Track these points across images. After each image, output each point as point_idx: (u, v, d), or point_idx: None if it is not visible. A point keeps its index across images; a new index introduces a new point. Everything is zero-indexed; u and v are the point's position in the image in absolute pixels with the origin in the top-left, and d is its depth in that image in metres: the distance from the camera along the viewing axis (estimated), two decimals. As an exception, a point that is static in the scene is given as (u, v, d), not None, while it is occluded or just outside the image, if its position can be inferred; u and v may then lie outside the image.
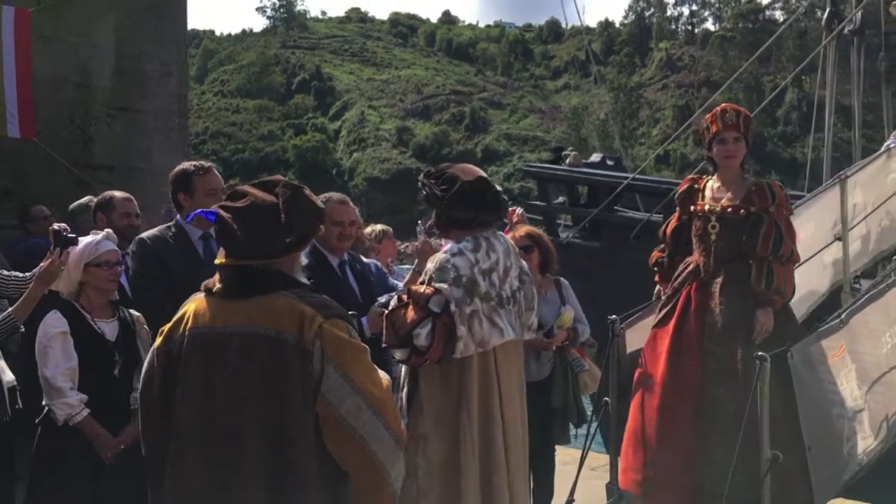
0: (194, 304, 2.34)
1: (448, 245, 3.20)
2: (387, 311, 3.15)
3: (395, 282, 4.45)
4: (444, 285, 3.06)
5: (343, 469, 2.23)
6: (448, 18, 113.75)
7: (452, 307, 3.03)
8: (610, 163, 10.57)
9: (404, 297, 3.17)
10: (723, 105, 4.09)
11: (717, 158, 4.05)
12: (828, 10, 7.63)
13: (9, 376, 3.54)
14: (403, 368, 3.23)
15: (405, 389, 3.19)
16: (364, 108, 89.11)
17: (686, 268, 4.06)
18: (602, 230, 9.20)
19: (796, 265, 4.00)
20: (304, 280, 2.35)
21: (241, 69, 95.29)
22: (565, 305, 4.45)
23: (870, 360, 3.97)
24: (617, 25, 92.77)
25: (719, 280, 3.91)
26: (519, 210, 4.90)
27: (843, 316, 3.74)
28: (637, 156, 52.54)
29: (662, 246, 4.30)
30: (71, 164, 6.29)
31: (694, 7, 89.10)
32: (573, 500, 4.16)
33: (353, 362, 2.21)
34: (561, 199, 10.28)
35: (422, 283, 3.14)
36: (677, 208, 4.23)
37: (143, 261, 3.75)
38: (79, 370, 3.28)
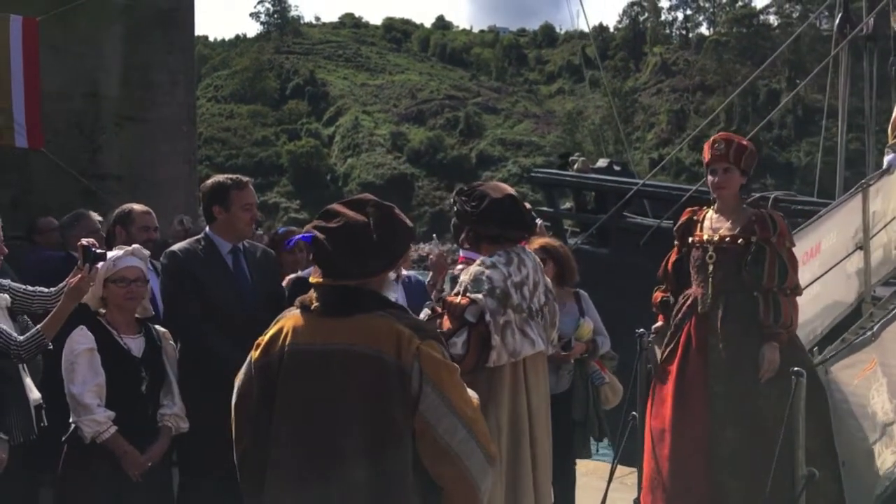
0: (292, 320, 2.38)
1: (482, 258, 3.29)
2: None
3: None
4: (479, 296, 3.16)
5: (436, 484, 2.31)
6: (442, 23, 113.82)
7: (487, 317, 3.14)
8: (617, 168, 10.56)
9: (438, 308, 3.29)
10: (716, 135, 3.99)
11: (709, 188, 3.98)
12: (839, 15, 7.59)
13: (35, 394, 3.48)
14: None
15: None
16: (358, 113, 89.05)
17: (686, 301, 3.96)
18: (611, 237, 9.16)
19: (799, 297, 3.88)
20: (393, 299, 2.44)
21: (235, 75, 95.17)
22: (584, 318, 4.41)
23: (900, 373, 3.93)
24: (611, 30, 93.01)
25: (719, 313, 3.80)
26: (539, 222, 4.87)
27: (874, 329, 3.70)
28: (633, 160, 52.62)
29: (664, 286, 4.17)
30: (79, 174, 6.23)
31: (688, 12, 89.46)
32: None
33: (449, 383, 2.30)
34: (568, 204, 10.26)
35: (456, 295, 3.22)
36: (676, 242, 4.13)
37: (174, 274, 3.71)
38: (105, 387, 3.22)
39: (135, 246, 3.49)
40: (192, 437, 3.49)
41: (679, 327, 3.93)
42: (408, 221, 2.46)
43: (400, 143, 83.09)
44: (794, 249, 3.86)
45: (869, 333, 3.69)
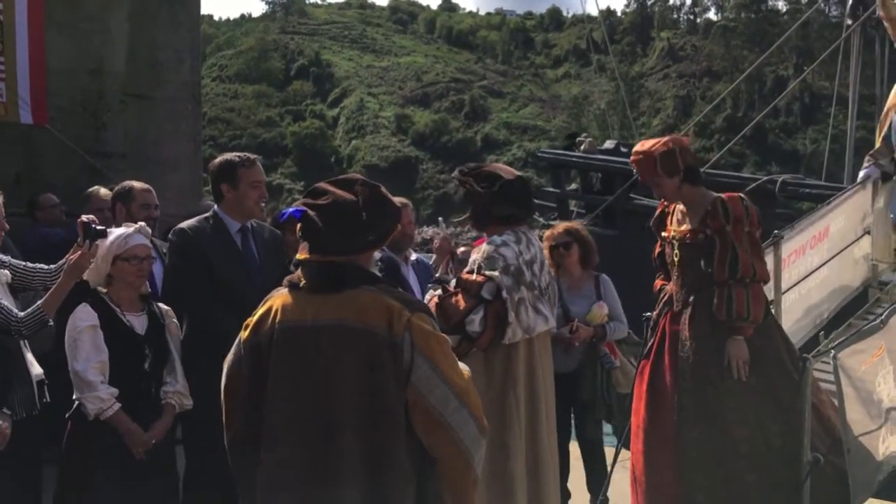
0: (281, 299, 2.40)
1: (492, 237, 3.36)
2: (438, 300, 3.27)
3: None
4: (495, 273, 3.22)
5: (430, 455, 2.34)
6: (448, 5, 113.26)
7: (504, 294, 3.20)
8: (624, 150, 10.51)
9: (449, 287, 3.34)
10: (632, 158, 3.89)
11: None
12: (850, 2, 7.49)
13: (37, 369, 3.47)
14: None
15: None
16: (363, 95, 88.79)
17: (663, 297, 3.92)
18: (617, 218, 9.14)
19: (764, 283, 3.70)
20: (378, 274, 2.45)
21: (240, 54, 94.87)
22: (599, 302, 4.41)
23: (905, 360, 3.92)
24: (619, 14, 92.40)
25: (689, 310, 3.71)
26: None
27: (883, 316, 3.69)
28: (638, 145, 52.43)
29: (660, 273, 4.10)
30: (83, 152, 6.20)
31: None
32: (607, 499, 4.13)
33: (440, 353, 2.32)
34: (574, 185, 10.22)
35: (470, 273, 3.27)
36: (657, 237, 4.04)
37: (183, 250, 3.71)
38: (109, 364, 3.22)
39: (140, 224, 3.48)
40: (198, 414, 3.48)
41: (657, 323, 3.89)
42: (395, 201, 2.49)
43: (405, 126, 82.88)
44: (757, 233, 3.67)
45: (878, 320, 3.68)
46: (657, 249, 4.05)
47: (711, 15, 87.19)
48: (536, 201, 5.56)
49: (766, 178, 8.11)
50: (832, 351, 3.36)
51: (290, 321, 2.34)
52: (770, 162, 61.21)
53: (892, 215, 5.49)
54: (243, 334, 2.43)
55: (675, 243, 3.79)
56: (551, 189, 9.89)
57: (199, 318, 3.65)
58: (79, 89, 6.35)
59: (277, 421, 2.32)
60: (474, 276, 3.26)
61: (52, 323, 3.33)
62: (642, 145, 3.83)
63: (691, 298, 3.71)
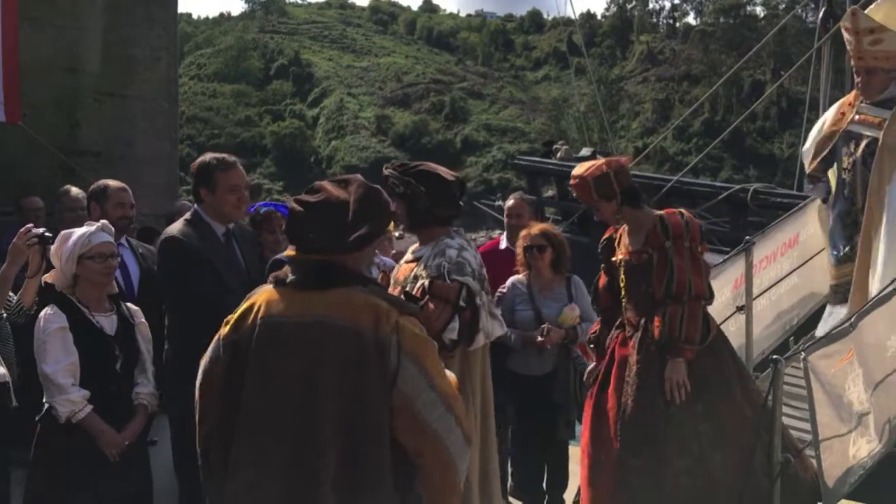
0: (265, 295, 2.36)
1: (446, 241, 3.26)
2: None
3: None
4: (468, 278, 3.15)
5: (413, 461, 2.28)
6: (429, 7, 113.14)
7: (478, 300, 3.16)
8: (600, 157, 10.56)
9: (416, 291, 3.17)
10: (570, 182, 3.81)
11: None
12: (823, 9, 7.60)
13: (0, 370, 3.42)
14: None
15: None
16: (343, 95, 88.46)
17: (616, 322, 3.85)
18: (591, 225, 9.16)
19: (705, 301, 3.57)
20: (372, 276, 2.45)
21: (219, 53, 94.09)
22: (570, 304, 4.42)
23: (875, 364, 3.97)
24: (599, 17, 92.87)
25: (638, 335, 3.64)
26: None
27: (852, 319, 3.72)
28: (617, 148, 52.72)
29: (599, 314, 4.03)
30: (57, 150, 6.13)
31: (675, 1, 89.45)
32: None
33: (428, 358, 2.28)
34: (550, 192, 10.26)
35: (437, 279, 3.15)
36: (602, 264, 3.96)
37: (182, 256, 3.60)
38: (79, 366, 3.18)
39: (102, 221, 3.45)
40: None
41: (605, 347, 3.86)
42: (391, 204, 2.49)
43: (384, 127, 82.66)
44: (703, 249, 3.58)
45: (847, 324, 3.71)
46: (602, 281, 3.95)
47: (690, 19, 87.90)
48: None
49: (738, 186, 8.20)
50: (802, 353, 3.39)
51: (273, 316, 2.29)
52: (747, 166, 61.84)
53: (834, 252, 5.30)
54: (223, 331, 2.39)
55: (622, 267, 3.73)
56: (529, 196, 9.93)
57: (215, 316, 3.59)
58: (53, 87, 6.29)
59: (253, 416, 2.26)
60: (449, 284, 3.14)
61: (3, 314, 3.30)
62: (578, 169, 3.73)
63: (641, 321, 3.64)
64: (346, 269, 2.31)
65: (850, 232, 5.21)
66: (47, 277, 3.35)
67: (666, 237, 3.53)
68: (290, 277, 2.34)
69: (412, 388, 2.23)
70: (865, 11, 5.16)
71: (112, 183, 4.49)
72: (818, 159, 5.33)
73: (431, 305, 3.10)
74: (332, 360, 2.23)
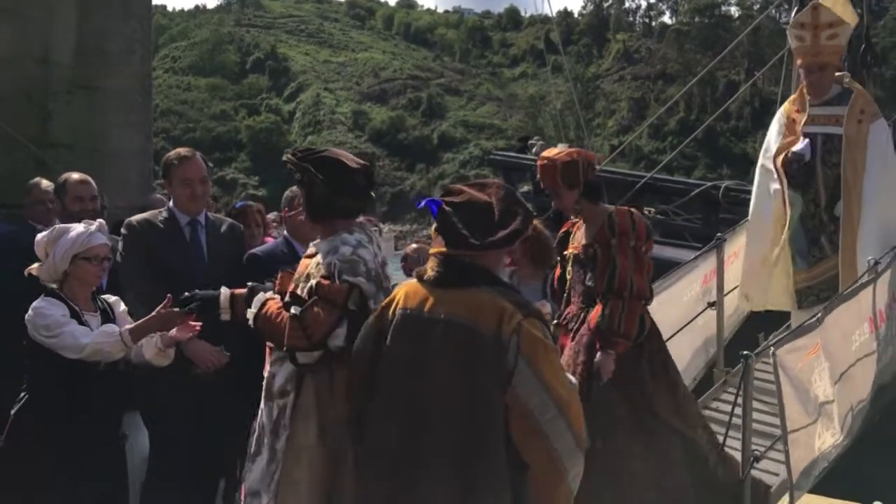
0: (406, 288, 2.58)
1: (342, 236, 2.98)
2: (298, 312, 2.84)
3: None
4: (361, 279, 2.88)
5: (524, 461, 2.37)
6: (406, 3, 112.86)
7: (371, 304, 2.85)
8: (574, 150, 10.63)
9: (304, 296, 2.89)
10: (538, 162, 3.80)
11: None
12: (794, 10, 7.69)
13: None
14: (284, 372, 2.94)
15: (291, 396, 2.92)
16: (320, 90, 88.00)
17: (566, 317, 3.87)
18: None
19: (645, 301, 3.58)
20: (506, 278, 2.55)
21: (194, 46, 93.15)
22: (544, 300, 4.43)
23: (840, 358, 4.05)
24: (576, 15, 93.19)
25: (575, 326, 3.69)
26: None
27: (819, 315, 3.79)
28: (592, 146, 52.96)
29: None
30: (28, 142, 6.07)
31: (652, 0, 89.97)
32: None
33: (546, 361, 2.37)
34: (526, 188, 10.30)
35: (325, 279, 2.86)
36: (557, 258, 3.99)
37: (129, 245, 3.81)
38: (65, 366, 3.16)
39: (99, 221, 3.45)
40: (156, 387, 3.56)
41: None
42: (527, 204, 2.60)
43: (361, 122, 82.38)
44: (648, 248, 3.59)
45: (814, 319, 3.78)
46: (556, 273, 3.99)
47: (666, 18, 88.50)
48: None
49: (710, 184, 8.30)
50: (772, 348, 3.44)
51: (408, 309, 2.51)
52: (721, 164, 62.32)
53: (800, 257, 5.28)
54: (371, 318, 2.63)
55: (570, 259, 3.78)
56: None
57: (145, 308, 3.64)
58: (24, 78, 6.23)
59: (379, 402, 2.49)
60: (337, 285, 2.84)
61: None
62: (549, 152, 3.76)
63: (581, 314, 3.71)
64: (480, 269, 2.47)
65: (815, 234, 5.25)
66: (32, 270, 3.32)
67: (612, 234, 3.58)
68: (429, 274, 2.51)
69: (525, 388, 2.32)
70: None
71: (73, 176, 4.41)
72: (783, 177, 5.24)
73: (316, 309, 2.80)
74: (453, 356, 2.38)
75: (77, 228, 3.33)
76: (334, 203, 2.99)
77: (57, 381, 3.17)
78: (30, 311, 3.20)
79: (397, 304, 2.54)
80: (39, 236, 3.34)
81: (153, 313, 3.23)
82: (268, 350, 3.06)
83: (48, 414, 3.17)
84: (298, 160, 3.02)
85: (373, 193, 3.16)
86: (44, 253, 3.31)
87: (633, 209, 3.72)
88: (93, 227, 3.35)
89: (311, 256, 3.02)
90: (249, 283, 3.12)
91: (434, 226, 2.50)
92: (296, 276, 3.03)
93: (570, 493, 2.38)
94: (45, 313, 3.17)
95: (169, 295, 3.24)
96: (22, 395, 3.23)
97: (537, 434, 2.32)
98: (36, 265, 3.33)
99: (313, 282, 2.88)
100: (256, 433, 3.00)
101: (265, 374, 3.03)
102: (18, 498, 3.15)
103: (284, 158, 3.12)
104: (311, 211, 3.06)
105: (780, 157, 5.23)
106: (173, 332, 3.26)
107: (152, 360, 3.36)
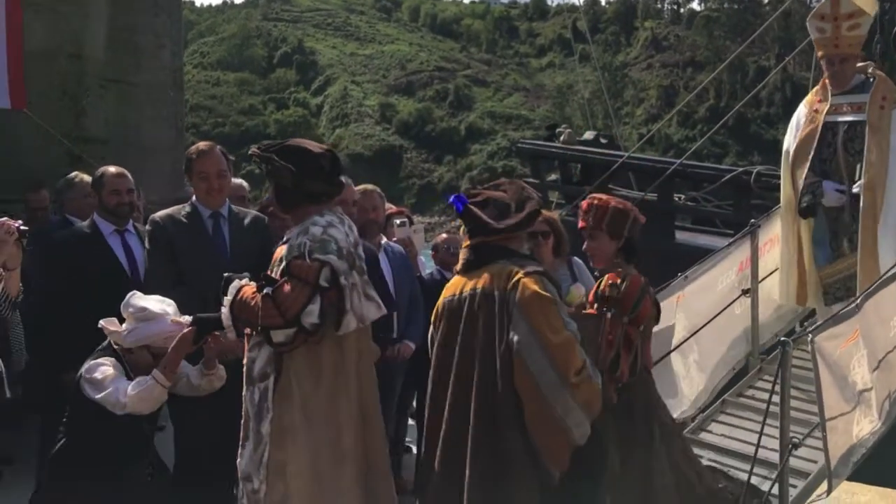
0: (449, 283, 3.07)
1: (313, 218, 3.02)
2: (269, 292, 2.91)
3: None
4: (332, 257, 2.91)
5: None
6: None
7: (343, 280, 2.92)
8: (603, 141, 10.57)
9: (276, 276, 2.97)
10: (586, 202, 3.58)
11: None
12: (822, -5, 7.52)
13: None
14: (263, 355, 2.99)
15: (272, 378, 2.96)
16: (347, 83, 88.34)
17: None
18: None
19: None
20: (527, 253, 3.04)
21: (222, 41, 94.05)
22: (575, 283, 4.42)
23: (879, 344, 3.98)
24: (603, 3, 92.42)
25: None
26: None
27: (858, 300, 3.73)
28: (621, 135, 52.51)
29: None
30: (62, 137, 6.15)
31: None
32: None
33: (537, 308, 2.73)
34: (553, 176, 10.25)
35: (297, 258, 2.91)
36: None
37: (153, 240, 3.87)
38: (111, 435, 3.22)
39: (172, 307, 3.39)
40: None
41: None
42: (537, 194, 3.02)
43: (389, 115, 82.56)
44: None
45: (853, 305, 3.72)
46: None
47: (695, 5, 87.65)
48: None
49: (741, 169, 8.18)
50: (810, 335, 3.39)
51: (448, 297, 2.99)
52: (752, 152, 61.56)
53: (822, 252, 5.11)
54: (434, 313, 3.07)
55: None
56: (532, 180, 9.90)
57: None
58: (58, 73, 6.30)
59: (432, 375, 2.99)
60: (308, 262, 2.89)
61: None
62: (604, 195, 3.62)
63: None
64: (501, 249, 2.89)
65: (835, 227, 5.14)
66: (107, 328, 3.32)
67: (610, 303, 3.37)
68: (460, 264, 2.97)
69: (518, 332, 2.69)
70: None
71: (110, 169, 4.40)
72: (806, 167, 5.13)
73: (287, 286, 2.86)
74: (481, 322, 2.80)
75: (162, 323, 3.28)
76: (302, 188, 3.02)
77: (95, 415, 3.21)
78: (85, 365, 3.26)
79: (442, 298, 2.98)
80: (131, 302, 3.33)
81: (172, 346, 3.24)
82: (245, 338, 3.10)
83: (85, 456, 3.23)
84: (263, 151, 3.07)
85: (343, 179, 3.20)
86: (124, 323, 3.33)
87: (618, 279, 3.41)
88: (168, 321, 3.29)
89: (284, 244, 3.06)
90: (225, 274, 3.14)
91: (459, 222, 2.94)
92: (271, 262, 3.10)
93: (562, 426, 2.72)
94: (93, 367, 3.22)
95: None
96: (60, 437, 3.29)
97: (524, 371, 2.69)
98: (111, 324, 3.34)
99: (285, 262, 2.94)
100: (244, 420, 3.04)
101: (244, 361, 3.08)
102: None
103: (250, 153, 3.14)
104: (282, 201, 3.12)
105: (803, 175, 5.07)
106: (209, 353, 3.33)
107: (209, 387, 3.40)
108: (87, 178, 4.90)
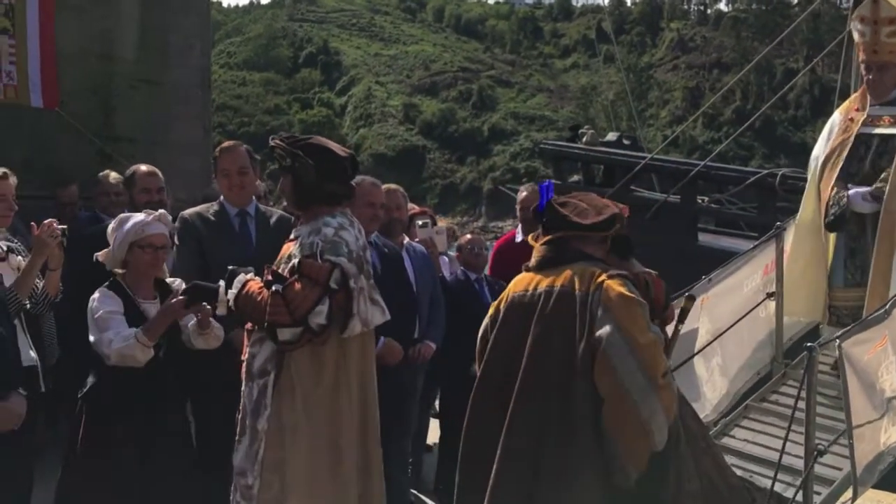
0: (515, 279, 2.95)
1: (325, 219, 3.03)
2: (280, 290, 2.91)
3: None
4: (343, 259, 2.92)
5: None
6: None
7: (352, 283, 2.93)
8: (626, 142, 10.51)
9: (285, 273, 2.97)
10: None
11: None
12: (853, -3, 7.40)
13: (29, 355, 3.48)
14: (264, 351, 3.00)
15: (272, 375, 2.97)
16: (371, 83, 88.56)
17: None
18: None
19: None
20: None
21: (248, 42, 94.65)
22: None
23: (908, 351, 3.93)
24: (628, 4, 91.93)
25: None
26: None
27: (887, 306, 3.69)
28: (645, 137, 52.18)
29: None
30: (93, 136, 6.25)
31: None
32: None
33: (624, 309, 2.67)
34: (576, 177, 10.22)
35: (308, 258, 2.92)
36: None
37: (182, 238, 3.91)
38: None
39: (161, 212, 3.51)
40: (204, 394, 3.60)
41: None
42: (609, 202, 3.01)
43: (412, 115, 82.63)
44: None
45: (882, 311, 3.68)
46: None
47: (722, 6, 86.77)
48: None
49: (766, 171, 8.09)
50: (837, 340, 3.36)
51: (517, 293, 2.88)
52: (778, 155, 60.85)
53: (840, 271, 4.91)
54: (491, 309, 2.99)
55: None
56: (554, 181, 9.89)
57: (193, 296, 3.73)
58: (88, 73, 6.40)
59: (487, 366, 2.88)
60: (320, 263, 2.90)
61: (27, 305, 3.41)
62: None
63: None
64: (577, 251, 2.84)
65: (852, 246, 4.96)
66: (100, 255, 3.42)
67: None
68: (534, 260, 2.89)
69: (603, 330, 2.62)
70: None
71: (141, 168, 4.52)
72: (834, 179, 4.94)
73: (298, 285, 2.87)
74: (559, 318, 2.73)
75: (136, 217, 3.41)
76: (323, 188, 3.02)
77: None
78: (90, 302, 3.32)
79: (508, 293, 2.89)
80: (109, 227, 3.45)
81: (159, 310, 3.31)
82: (245, 333, 3.11)
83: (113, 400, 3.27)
84: (288, 145, 3.04)
85: (371, 181, 3.41)
86: (110, 241, 3.42)
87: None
88: (150, 217, 3.42)
89: (291, 241, 3.08)
90: (230, 266, 3.16)
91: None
92: (277, 258, 3.10)
93: (646, 429, 2.59)
94: (95, 306, 3.28)
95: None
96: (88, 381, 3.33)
97: (609, 370, 2.58)
98: (104, 251, 3.43)
99: (295, 261, 2.93)
100: (240, 415, 3.05)
101: (244, 357, 3.08)
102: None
103: (272, 144, 3.11)
104: (299, 197, 3.09)
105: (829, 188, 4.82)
106: (201, 313, 3.34)
107: (205, 345, 3.43)
108: (116, 175, 4.99)
